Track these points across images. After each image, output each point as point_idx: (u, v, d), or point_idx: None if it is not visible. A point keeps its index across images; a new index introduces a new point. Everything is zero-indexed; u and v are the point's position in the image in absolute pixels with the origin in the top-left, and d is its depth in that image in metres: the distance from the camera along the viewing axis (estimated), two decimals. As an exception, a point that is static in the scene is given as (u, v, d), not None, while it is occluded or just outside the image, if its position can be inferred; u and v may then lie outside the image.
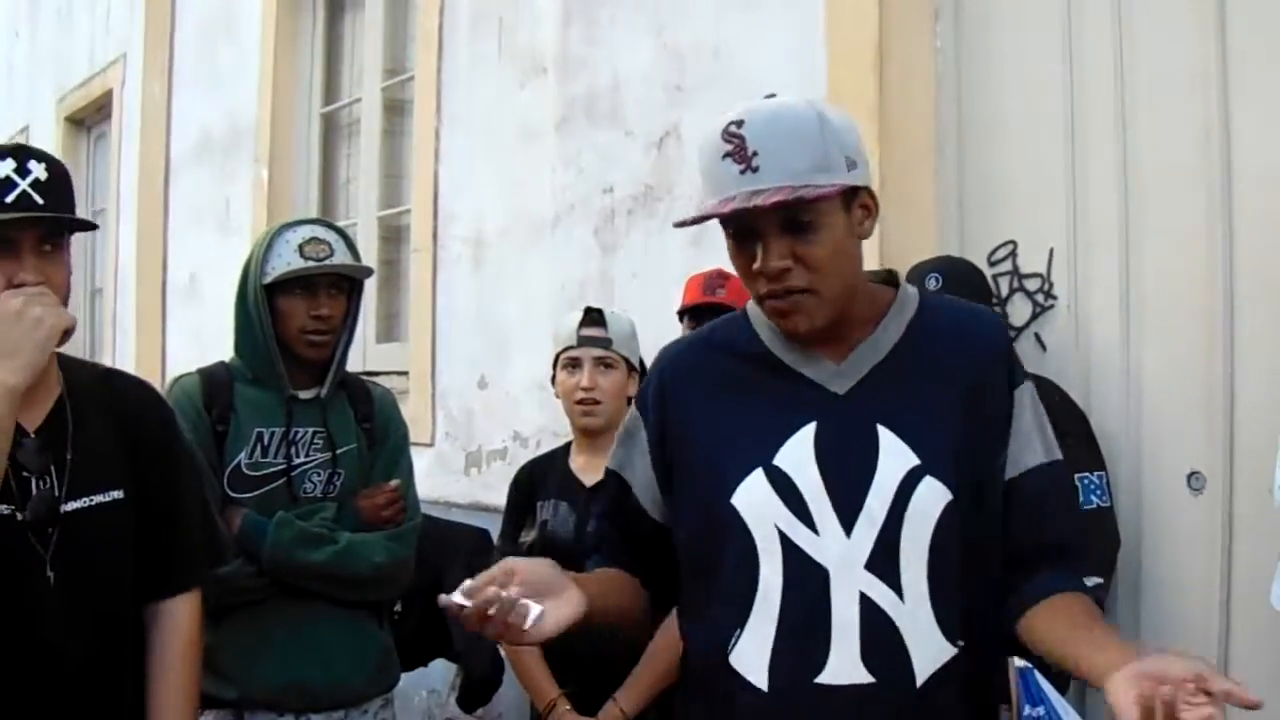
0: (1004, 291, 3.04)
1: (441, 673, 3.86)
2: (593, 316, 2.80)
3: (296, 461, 2.50)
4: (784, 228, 1.54)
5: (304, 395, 2.54)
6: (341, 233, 2.59)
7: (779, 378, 1.65)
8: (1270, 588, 2.43)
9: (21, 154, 1.85)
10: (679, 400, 1.71)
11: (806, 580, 1.57)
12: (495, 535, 3.00)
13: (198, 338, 6.20)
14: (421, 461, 4.30)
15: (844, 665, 1.56)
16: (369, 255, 5.14)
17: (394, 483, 2.58)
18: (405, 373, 4.83)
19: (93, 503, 1.89)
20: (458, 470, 4.52)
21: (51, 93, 8.53)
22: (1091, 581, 1.62)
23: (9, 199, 1.80)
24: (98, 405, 1.97)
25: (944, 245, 3.11)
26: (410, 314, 4.91)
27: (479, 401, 4.48)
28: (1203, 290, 2.72)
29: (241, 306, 2.53)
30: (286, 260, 2.47)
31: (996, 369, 1.65)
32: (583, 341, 2.77)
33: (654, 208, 3.78)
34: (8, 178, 1.81)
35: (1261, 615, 2.51)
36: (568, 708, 2.64)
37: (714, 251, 3.51)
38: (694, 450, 1.68)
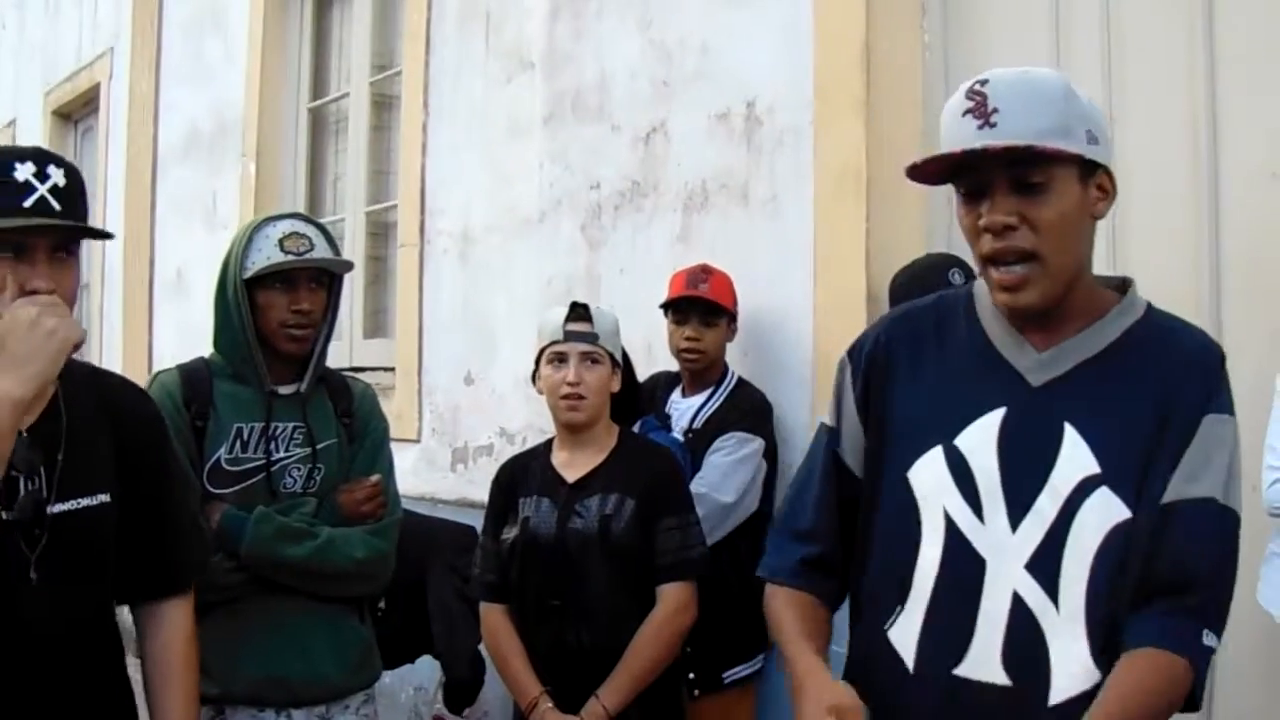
0: (991, 289, 3.03)
1: (428, 670, 3.84)
2: (579, 311, 2.78)
3: (276, 456, 2.48)
4: (1014, 187, 1.51)
5: (284, 390, 2.52)
6: (321, 227, 2.57)
7: (982, 358, 1.62)
8: (1255, 587, 2.43)
9: (42, 158, 1.83)
10: (889, 362, 1.68)
11: (962, 567, 1.55)
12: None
13: (185, 333, 6.18)
14: (408, 457, 4.30)
15: (982, 661, 1.53)
16: (356, 251, 5.14)
17: (374, 478, 2.56)
18: (391, 368, 4.82)
19: (80, 505, 1.87)
20: (444, 466, 4.50)
21: (39, 86, 8.50)
22: (1209, 640, 1.48)
23: (27, 204, 1.79)
24: (89, 406, 1.95)
25: (931, 241, 3.10)
26: (397, 309, 4.89)
27: (465, 397, 4.46)
28: (1190, 287, 2.71)
29: (221, 301, 2.51)
30: (266, 255, 2.45)
31: (1190, 382, 1.55)
32: (569, 336, 2.76)
33: (640, 203, 3.76)
34: (27, 182, 1.79)
35: (1246, 614, 2.50)
36: (550, 705, 2.62)
37: (698, 247, 3.52)
38: (890, 415, 1.66)
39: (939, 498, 1.57)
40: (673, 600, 2.67)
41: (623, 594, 2.65)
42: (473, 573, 2.87)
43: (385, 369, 4.86)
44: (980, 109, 1.49)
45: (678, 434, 3.24)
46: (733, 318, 3.30)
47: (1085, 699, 1.46)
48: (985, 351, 1.62)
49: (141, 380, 2.36)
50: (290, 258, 2.44)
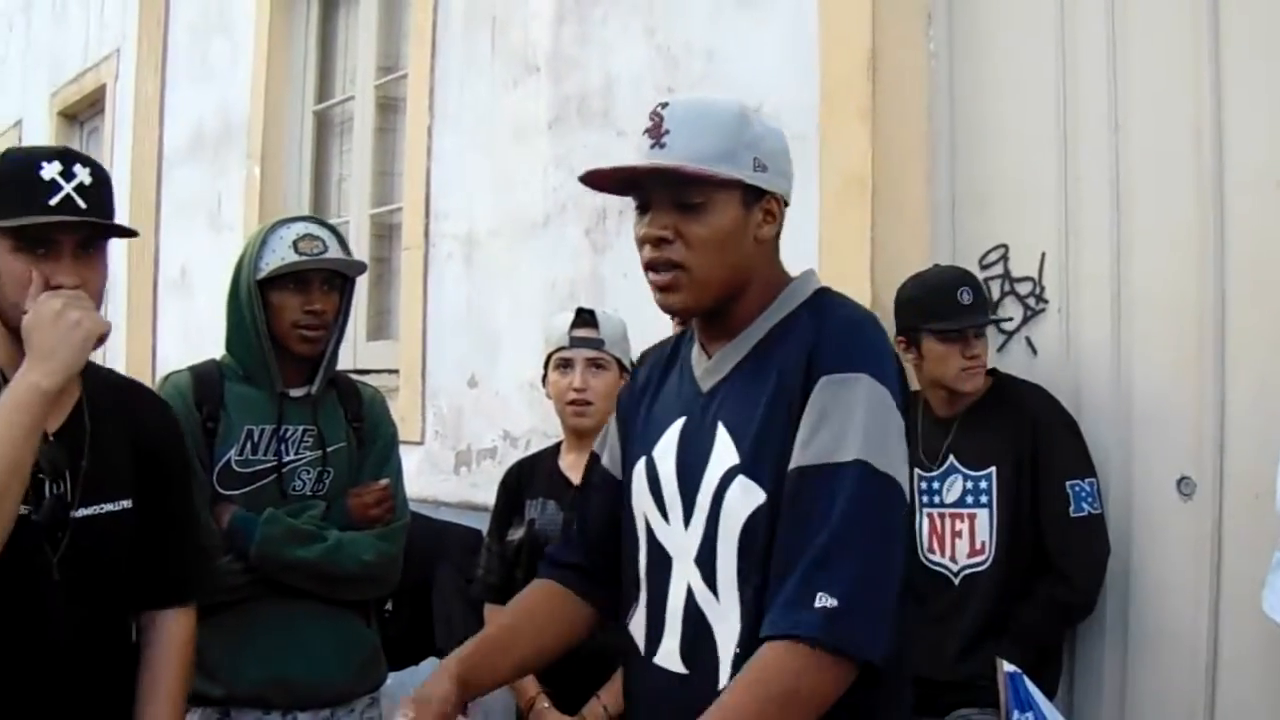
0: (995, 295, 3.04)
1: (429, 672, 3.83)
2: (585, 317, 2.79)
3: (286, 459, 2.49)
4: (674, 204, 1.60)
5: (295, 393, 2.54)
6: (334, 230, 2.58)
7: (680, 373, 1.76)
8: (1261, 594, 2.43)
9: (68, 157, 1.88)
10: (641, 392, 1.82)
11: (658, 565, 1.68)
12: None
13: (188, 334, 6.19)
14: (411, 460, 4.28)
15: (669, 650, 1.65)
16: (360, 253, 5.13)
17: (383, 481, 2.57)
18: (395, 371, 4.82)
19: (103, 510, 1.91)
20: (447, 469, 4.51)
21: (45, 87, 8.51)
22: (824, 601, 1.43)
23: (53, 201, 1.83)
24: (114, 413, 1.98)
25: (936, 249, 3.11)
26: (401, 312, 4.90)
27: (469, 400, 4.47)
28: (1194, 294, 2.72)
29: (234, 303, 2.52)
30: (280, 255, 2.47)
31: (802, 358, 1.58)
32: (575, 342, 2.77)
33: (645, 208, 3.76)
34: (53, 180, 1.84)
35: (1251, 622, 2.51)
36: (547, 704, 2.63)
37: (706, 252, 3.51)
38: (628, 433, 1.81)
39: (640, 504, 1.72)
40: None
41: (625, 596, 2.66)
42: (477, 574, 2.87)
43: (389, 371, 4.86)
44: (656, 129, 1.62)
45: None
46: (738, 324, 3.30)
47: None
48: (683, 366, 1.76)
49: (147, 381, 2.38)
50: (304, 258, 2.46)
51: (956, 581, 2.77)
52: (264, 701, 2.43)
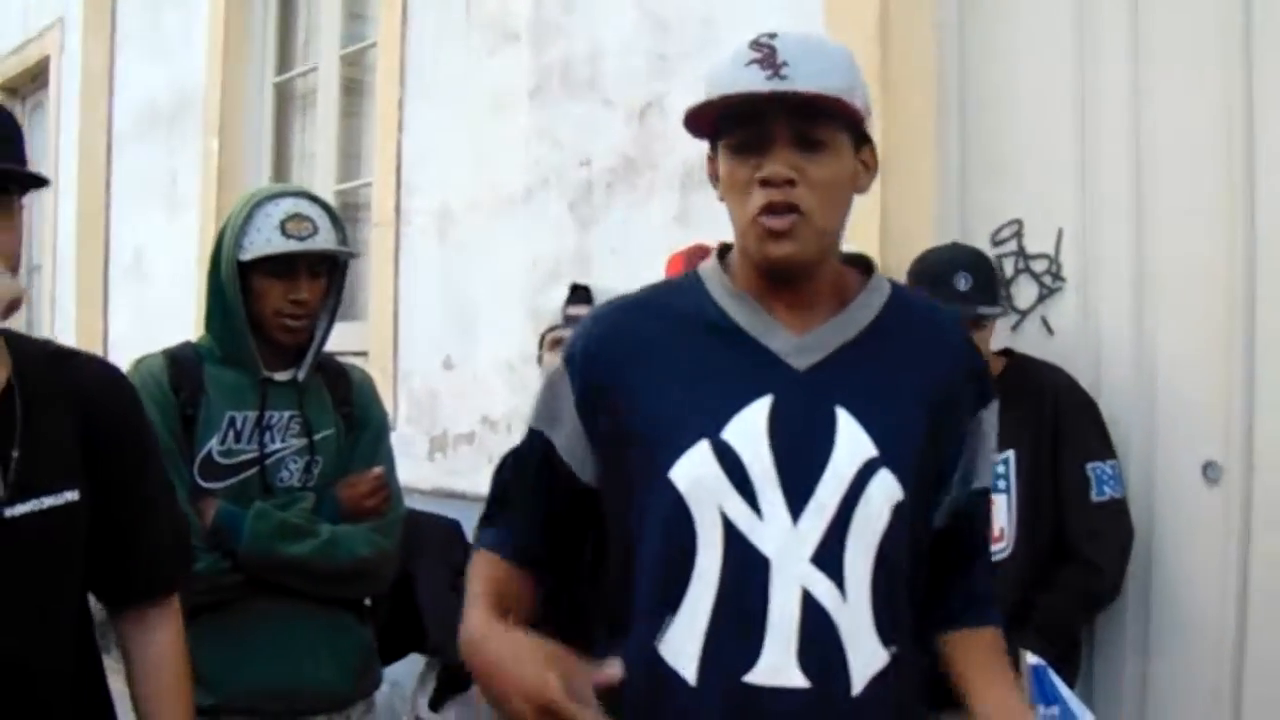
0: (1009, 272, 2.93)
1: (405, 665, 3.70)
2: (580, 294, 2.66)
3: (271, 448, 2.34)
4: (795, 142, 1.46)
5: (279, 377, 2.38)
6: (326, 206, 2.42)
7: (733, 346, 1.54)
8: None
9: None
10: (610, 363, 1.57)
11: (745, 568, 1.46)
12: (467, 525, 2.83)
13: (143, 319, 6.01)
14: (385, 446, 4.12)
15: (777, 665, 1.45)
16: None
17: (377, 470, 2.42)
18: (364, 353, 4.65)
19: (43, 506, 1.64)
20: (421, 455, 4.36)
21: (-18, 59, 8.23)
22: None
23: None
24: (51, 391, 1.71)
25: (944, 223, 3.00)
26: (371, 291, 4.75)
27: (444, 383, 4.33)
28: (1222, 271, 2.62)
29: (214, 281, 2.35)
30: (266, 237, 2.30)
31: (968, 382, 1.59)
32: (569, 320, 2.63)
33: (635, 181, 3.63)
34: None
35: (1278, 610, 2.44)
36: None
37: (699, 228, 3.38)
38: (629, 418, 1.54)
39: (713, 498, 1.48)
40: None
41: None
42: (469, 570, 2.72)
43: (357, 354, 4.68)
44: (769, 60, 1.44)
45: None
46: (734, 302, 3.17)
47: (881, 679, 1.47)
48: (735, 338, 1.54)
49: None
50: (291, 244, 2.30)
51: (976, 570, 2.66)
52: (256, 710, 2.28)
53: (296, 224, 2.32)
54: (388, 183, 4.61)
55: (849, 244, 2.96)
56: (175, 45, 6.03)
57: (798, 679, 1.45)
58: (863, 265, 1.63)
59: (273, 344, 2.37)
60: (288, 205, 2.35)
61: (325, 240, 2.35)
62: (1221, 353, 2.61)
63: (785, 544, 1.46)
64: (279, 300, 2.33)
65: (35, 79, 7.72)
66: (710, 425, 1.49)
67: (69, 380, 1.73)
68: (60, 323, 6.97)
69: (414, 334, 4.48)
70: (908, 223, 3.00)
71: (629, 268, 3.57)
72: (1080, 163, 2.82)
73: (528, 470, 1.66)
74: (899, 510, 1.48)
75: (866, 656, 1.46)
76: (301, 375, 2.40)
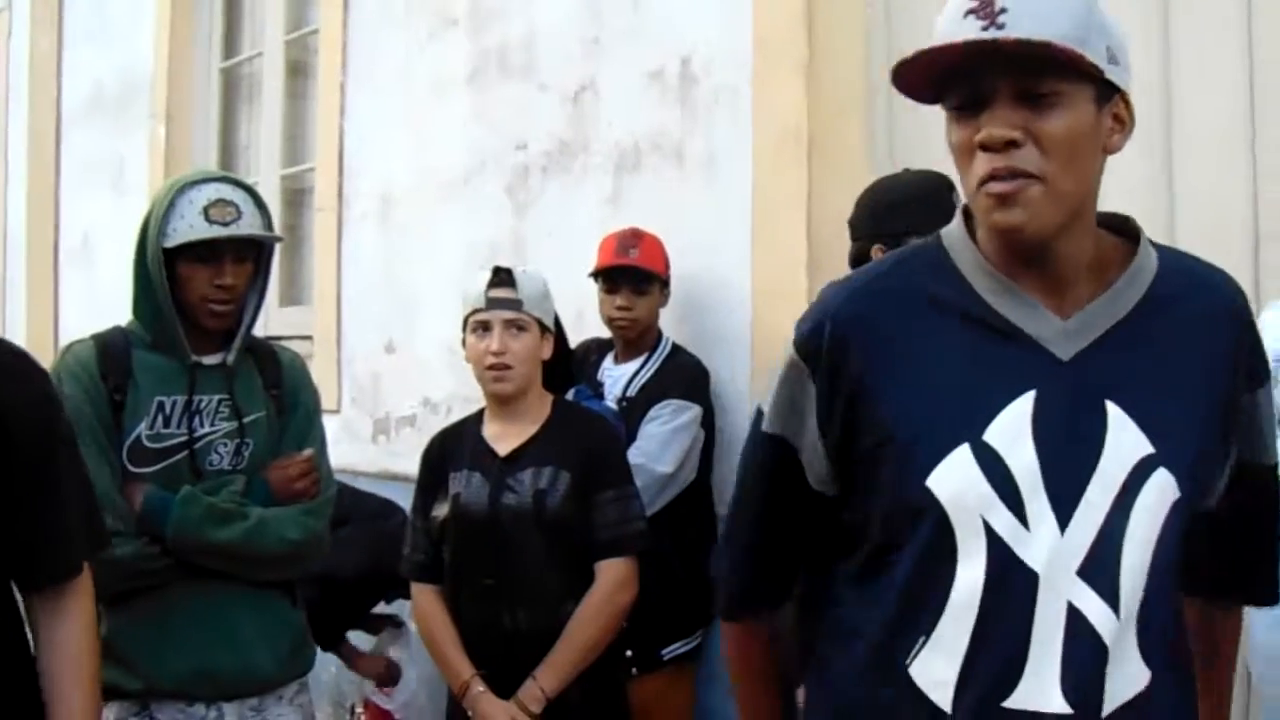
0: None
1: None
2: (501, 276, 2.66)
3: (200, 432, 2.34)
4: (1019, 98, 1.29)
5: (208, 361, 2.39)
6: (250, 190, 2.42)
7: (988, 333, 1.37)
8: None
9: None
10: (857, 356, 1.40)
11: (1011, 585, 1.33)
12: (406, 506, 2.85)
13: (93, 303, 5.96)
14: (327, 428, 4.14)
15: (1038, 690, 1.33)
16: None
17: (307, 452, 2.44)
18: (309, 337, 4.67)
19: None
20: (365, 438, 4.38)
21: (-72, 46, 8.14)
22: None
23: None
24: None
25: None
26: (315, 276, 4.75)
27: (387, 366, 4.35)
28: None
29: (140, 268, 2.36)
30: (189, 223, 2.30)
31: (1241, 358, 1.41)
32: (491, 303, 2.64)
33: (569, 164, 3.65)
34: None
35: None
36: (482, 689, 2.53)
37: (630, 210, 3.41)
38: (879, 418, 1.39)
39: (976, 506, 1.33)
40: (612, 577, 2.57)
41: (559, 572, 2.56)
42: (404, 551, 2.74)
43: (303, 338, 4.70)
44: (986, 8, 1.28)
45: (611, 403, 3.13)
46: (665, 283, 3.20)
47: (1137, 704, 1.34)
48: (989, 323, 1.37)
49: (49, 352, 2.18)
50: (215, 229, 2.30)
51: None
52: (186, 693, 2.29)
53: (220, 209, 2.32)
54: (330, 168, 4.61)
55: (779, 228, 3.00)
56: (122, 30, 5.98)
57: (1058, 704, 1.32)
58: (1120, 227, 1.44)
59: (200, 328, 2.38)
60: (210, 191, 2.34)
61: (249, 225, 2.36)
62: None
63: (1053, 557, 1.32)
64: (204, 286, 2.33)
65: (-18, 65, 7.66)
66: (971, 426, 1.35)
67: None
68: (10, 310, 6.92)
69: (357, 318, 4.49)
70: (841, 207, 2.98)
71: (564, 250, 3.59)
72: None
73: (769, 483, 1.51)
74: (1176, 512, 1.35)
75: (1127, 678, 1.35)
76: (230, 359, 2.40)
